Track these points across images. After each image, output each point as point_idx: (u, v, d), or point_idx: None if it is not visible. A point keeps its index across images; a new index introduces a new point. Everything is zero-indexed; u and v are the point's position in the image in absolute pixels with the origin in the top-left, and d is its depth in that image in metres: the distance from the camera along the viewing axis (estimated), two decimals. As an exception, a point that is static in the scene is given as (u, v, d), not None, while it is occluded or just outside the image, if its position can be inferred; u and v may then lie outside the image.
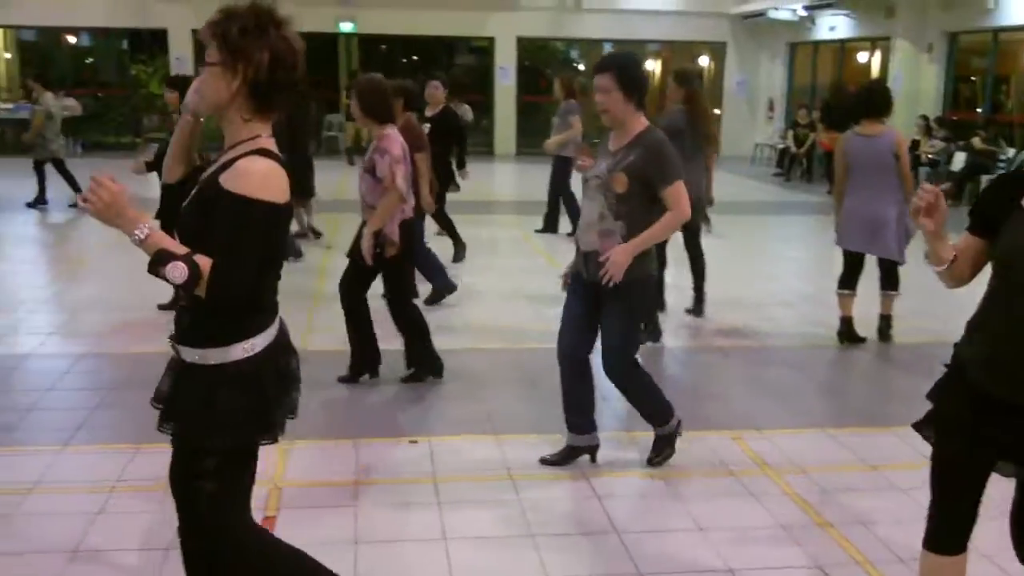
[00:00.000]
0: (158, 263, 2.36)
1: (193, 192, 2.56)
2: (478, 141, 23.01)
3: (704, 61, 24.90)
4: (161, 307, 7.45)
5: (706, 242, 7.70)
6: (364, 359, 5.86)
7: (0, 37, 23.79)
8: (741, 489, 4.49)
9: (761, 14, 21.44)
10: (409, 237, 5.63)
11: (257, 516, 3.97)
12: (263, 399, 2.59)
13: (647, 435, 4.89)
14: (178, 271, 2.34)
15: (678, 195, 4.24)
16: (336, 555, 3.74)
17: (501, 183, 18.86)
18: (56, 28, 22.85)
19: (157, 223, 2.39)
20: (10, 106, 20.73)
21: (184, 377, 2.59)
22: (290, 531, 3.90)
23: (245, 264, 2.42)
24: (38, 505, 4.15)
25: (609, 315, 4.35)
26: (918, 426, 2.84)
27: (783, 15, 20.72)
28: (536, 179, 13.28)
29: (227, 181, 2.41)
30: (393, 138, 5.42)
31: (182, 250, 2.38)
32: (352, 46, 22.92)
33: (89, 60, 25.96)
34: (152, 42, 23.71)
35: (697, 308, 7.74)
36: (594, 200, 4.33)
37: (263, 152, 2.48)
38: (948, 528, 2.76)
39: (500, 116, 22.74)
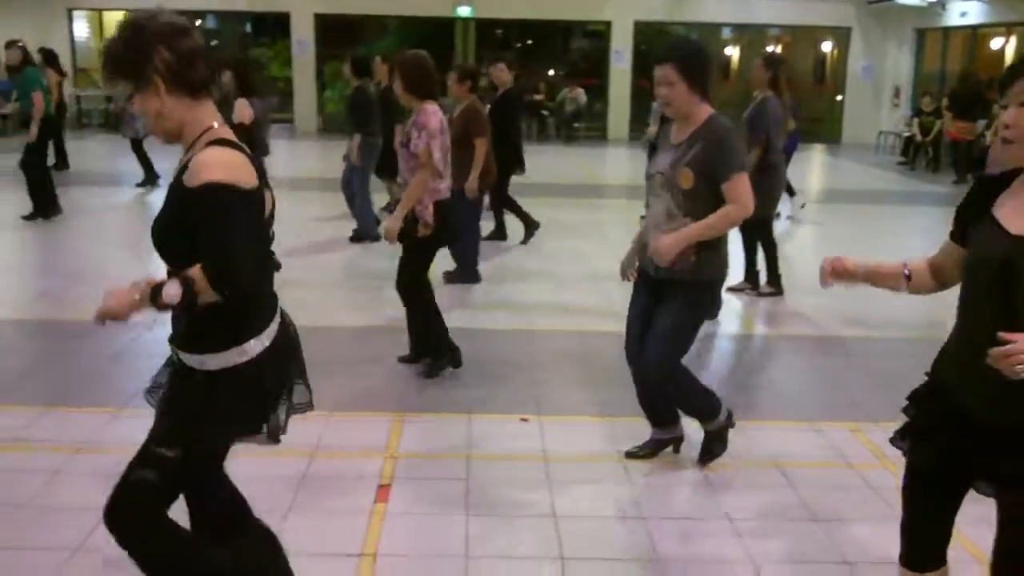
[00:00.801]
0: (154, 300, 2.31)
1: (162, 205, 2.52)
2: (592, 125, 22.94)
3: (827, 47, 24.29)
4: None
5: (824, 230, 7.51)
6: (438, 347, 5.67)
7: (133, 20, 24.71)
8: (860, 482, 4.37)
9: (889, -1, 20.75)
10: (445, 220, 5.39)
11: (372, 483, 4.12)
12: (263, 402, 2.61)
13: (771, 423, 4.82)
14: (171, 291, 2.29)
15: (740, 188, 3.91)
16: (449, 525, 3.81)
17: (614, 167, 18.73)
18: (185, 11, 23.51)
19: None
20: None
21: (183, 376, 2.57)
22: (404, 500, 3.99)
23: (241, 251, 2.32)
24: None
25: (665, 310, 4.08)
26: (894, 438, 2.67)
27: (912, 0, 19.99)
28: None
29: (191, 179, 2.35)
30: (431, 112, 5.33)
31: (165, 279, 2.35)
32: (469, 31, 23.04)
33: (214, 43, 26.75)
34: (274, 26, 24.33)
35: (774, 288, 7.76)
36: (660, 197, 4.05)
37: (218, 142, 2.43)
38: (920, 544, 2.61)
39: (614, 100, 22.59)
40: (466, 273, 7.89)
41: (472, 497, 4.06)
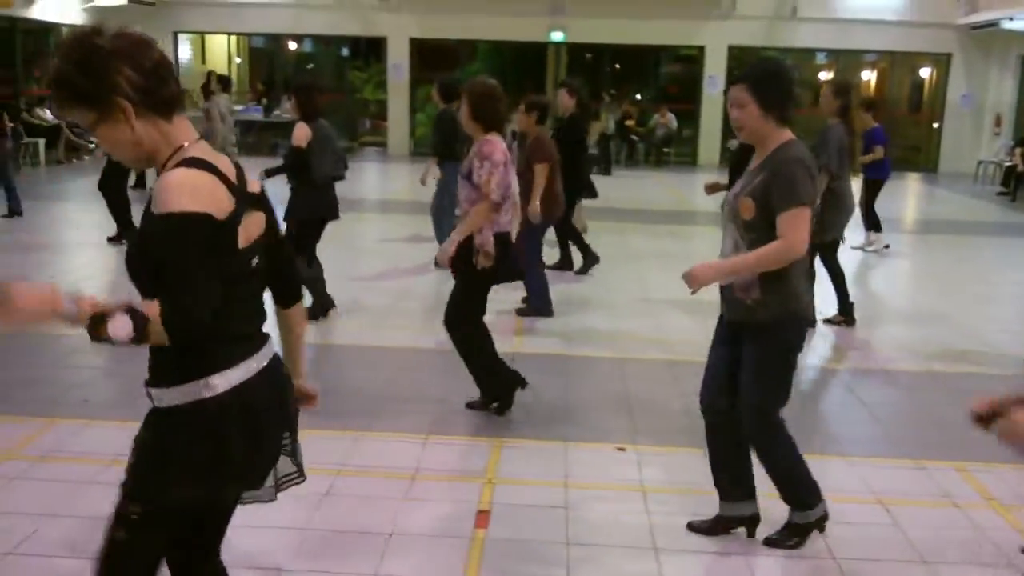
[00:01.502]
0: (95, 327, 1.97)
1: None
2: (682, 151, 22.85)
3: (925, 73, 23.81)
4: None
5: (918, 263, 7.36)
6: (500, 386, 5.45)
7: (234, 43, 25.49)
8: (968, 523, 4.26)
9: (993, 24, 20.24)
10: (504, 252, 5.22)
11: (471, 509, 4.15)
12: (224, 448, 2.20)
13: (874, 460, 4.73)
14: (119, 325, 1.96)
15: (791, 223, 3.53)
16: (549, 553, 3.82)
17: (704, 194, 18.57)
18: (285, 35, 24.24)
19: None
20: (240, 107, 22.15)
21: (145, 421, 2.28)
22: (503, 527, 4.01)
23: (196, 284, 2.04)
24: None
25: (745, 364, 3.76)
26: None
27: (1019, 25, 19.48)
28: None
29: (155, 205, 2.09)
30: (495, 144, 5.18)
31: (117, 304, 2.00)
32: (561, 55, 23.20)
33: (310, 66, 27.38)
34: (368, 50, 24.82)
35: (846, 317, 7.60)
36: (727, 228, 3.79)
37: (187, 162, 2.15)
38: None
39: (705, 126, 22.47)
40: (538, 305, 7.81)
41: (572, 526, 4.07)
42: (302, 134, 7.09)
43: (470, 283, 5.27)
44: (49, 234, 11.28)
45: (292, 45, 25.80)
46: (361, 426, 5.12)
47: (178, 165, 2.14)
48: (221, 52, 25.35)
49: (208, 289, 2.06)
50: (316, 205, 7.22)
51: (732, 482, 3.98)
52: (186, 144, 2.21)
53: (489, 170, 5.10)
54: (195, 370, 2.17)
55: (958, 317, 8.35)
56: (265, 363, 2.30)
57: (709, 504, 4.29)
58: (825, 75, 25.43)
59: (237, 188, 2.21)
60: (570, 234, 9.56)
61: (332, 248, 8.09)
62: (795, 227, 3.54)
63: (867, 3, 21.58)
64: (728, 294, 3.76)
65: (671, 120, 22.12)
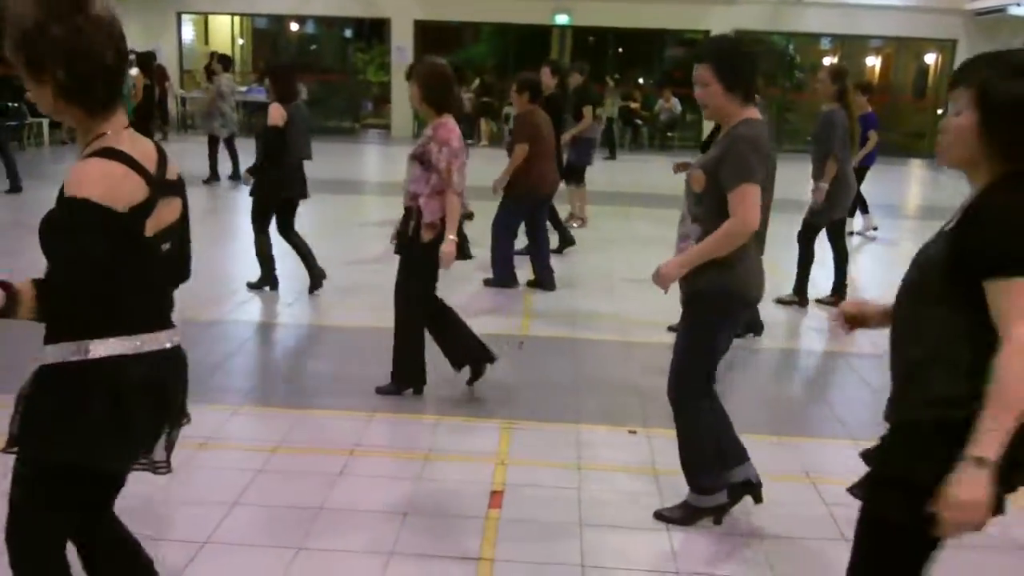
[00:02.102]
0: None
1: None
2: (686, 135, 22.82)
3: (930, 59, 23.76)
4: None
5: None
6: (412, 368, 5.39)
7: (237, 24, 25.42)
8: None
9: (1000, 10, 20.18)
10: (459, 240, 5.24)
11: (484, 490, 4.17)
12: (84, 412, 2.24)
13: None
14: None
15: (740, 200, 3.54)
16: (563, 534, 3.85)
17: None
18: (288, 16, 24.18)
19: None
20: (243, 88, 22.09)
21: (32, 375, 2.36)
22: (517, 508, 4.04)
23: (71, 273, 2.17)
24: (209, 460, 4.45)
25: (679, 329, 3.94)
26: None
27: (1024, 11, 19.45)
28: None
29: (66, 187, 2.17)
30: (451, 128, 5.06)
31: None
32: (566, 38, 23.14)
33: (313, 47, 27.33)
34: (370, 32, 24.76)
35: (839, 298, 7.60)
36: (685, 199, 3.86)
37: (103, 152, 2.21)
38: None
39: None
40: (502, 277, 8.06)
41: (585, 507, 4.10)
42: (278, 114, 7.17)
43: (417, 255, 5.17)
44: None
45: (294, 26, 25.73)
46: (373, 407, 5.14)
47: (92, 154, 2.21)
48: (224, 33, 25.26)
49: (81, 274, 2.17)
50: (288, 184, 7.35)
51: (725, 449, 3.94)
52: (108, 132, 2.25)
53: (448, 158, 4.99)
54: (78, 333, 2.25)
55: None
56: (155, 348, 2.35)
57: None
58: (829, 60, 25.40)
59: (153, 177, 2.26)
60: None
61: (334, 230, 8.10)
62: (744, 204, 3.55)
63: (873, -12, 21.52)
64: None
65: (675, 104, 22.08)
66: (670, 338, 6.65)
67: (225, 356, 6.00)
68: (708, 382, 3.88)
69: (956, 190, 16.58)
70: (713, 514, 3.95)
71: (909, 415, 2.27)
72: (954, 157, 2.26)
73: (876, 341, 6.89)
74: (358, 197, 13.85)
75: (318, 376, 5.78)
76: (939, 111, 22.95)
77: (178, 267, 2.50)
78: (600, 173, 10.41)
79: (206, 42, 24.41)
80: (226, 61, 14.58)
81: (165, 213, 2.32)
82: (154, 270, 2.35)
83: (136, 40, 21.84)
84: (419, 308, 5.30)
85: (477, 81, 21.32)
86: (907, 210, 14.36)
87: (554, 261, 8.43)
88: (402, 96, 22.97)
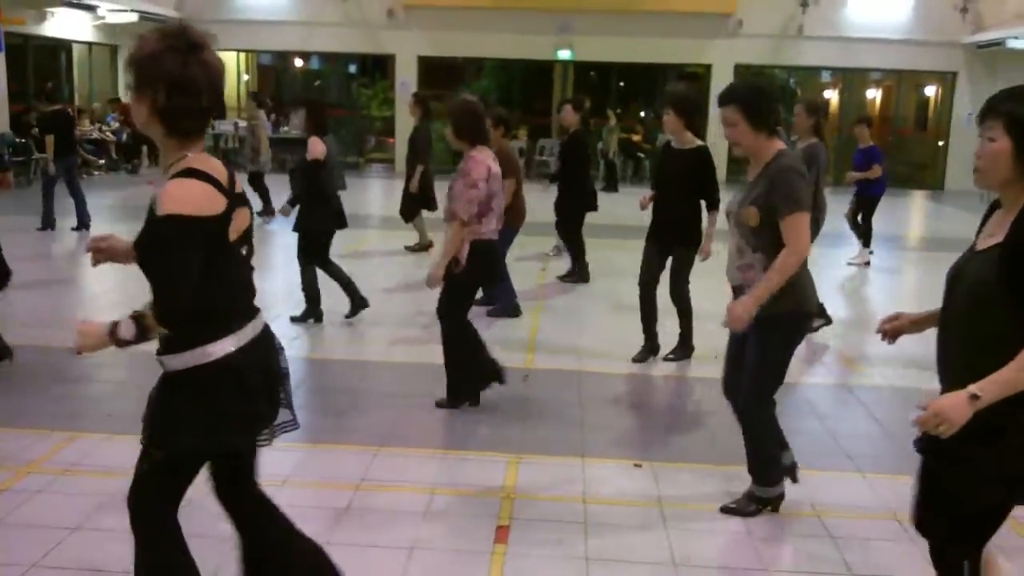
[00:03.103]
0: (113, 337, 2.51)
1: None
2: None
3: (931, 91, 23.89)
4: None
5: (926, 279, 7.39)
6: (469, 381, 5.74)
7: (243, 60, 25.63)
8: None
9: (999, 43, 20.33)
10: (481, 259, 5.48)
11: (491, 524, 4.18)
12: (220, 404, 2.65)
13: (889, 476, 4.76)
14: (126, 330, 2.50)
15: (795, 228, 3.91)
16: (570, 569, 3.85)
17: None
18: (292, 52, 24.38)
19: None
20: (245, 123, 22.25)
21: (157, 383, 2.75)
22: (523, 542, 4.04)
23: (178, 283, 2.50)
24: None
25: (750, 350, 4.14)
26: None
27: (1023, 44, 19.57)
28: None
29: (157, 207, 2.52)
30: (478, 160, 5.39)
31: (122, 318, 2.53)
32: (568, 73, 23.32)
33: (317, 83, 27.52)
34: (374, 67, 24.96)
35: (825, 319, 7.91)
36: (733, 236, 4.16)
37: (187, 172, 2.56)
38: None
39: (711, 142, 22.44)
40: (507, 306, 8.20)
41: (591, 541, 4.10)
42: (319, 148, 7.30)
43: (457, 289, 5.52)
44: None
45: (299, 62, 25.94)
46: (379, 441, 5.16)
47: (179, 174, 2.56)
48: (230, 69, 25.44)
49: (186, 289, 2.50)
50: (329, 217, 7.49)
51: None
52: (188, 155, 2.61)
53: (462, 188, 5.31)
54: (195, 340, 2.62)
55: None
56: (254, 334, 2.74)
57: (727, 519, 4.33)
58: (830, 93, 25.56)
59: (228, 190, 2.63)
60: (575, 244, 9.74)
61: (342, 263, 8.13)
62: (798, 231, 3.89)
63: (873, 22, 21.68)
64: (739, 294, 4.08)
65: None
66: (676, 370, 6.77)
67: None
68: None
69: (959, 221, 16.60)
70: (774, 503, 4.37)
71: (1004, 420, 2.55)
72: (991, 179, 2.65)
73: (885, 373, 6.92)
74: (362, 231, 13.90)
75: (323, 409, 5.79)
76: (940, 143, 23.08)
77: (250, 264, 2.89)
78: (601, 205, 10.48)
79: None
80: (257, 97, 14.68)
81: (240, 220, 2.69)
82: (240, 269, 2.75)
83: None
84: (461, 327, 5.65)
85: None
86: (909, 241, 14.40)
87: (561, 292, 8.48)
88: (405, 131, 23.14)
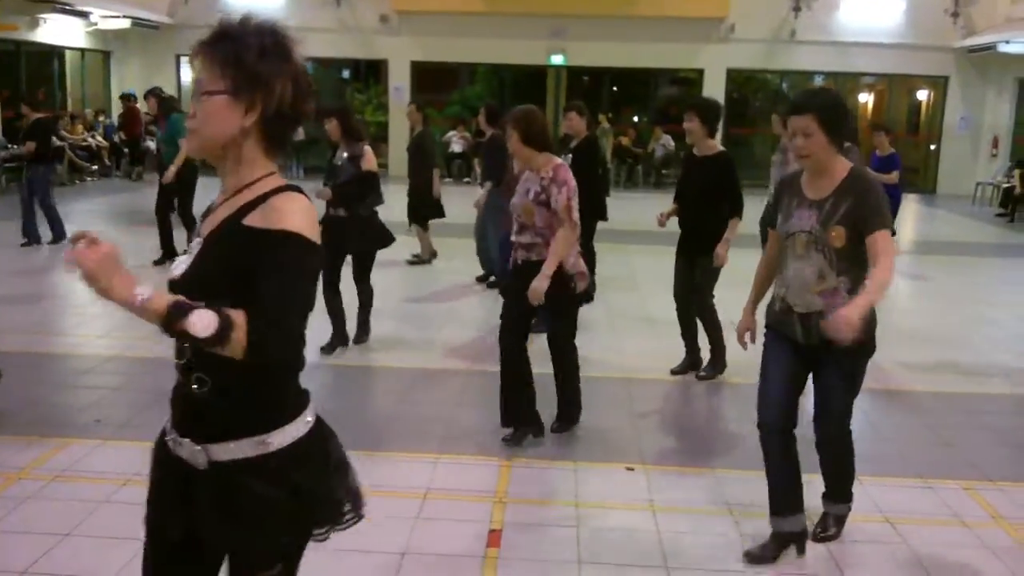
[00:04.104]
0: (176, 317, 1.85)
1: (199, 248, 2.11)
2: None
3: (923, 95, 23.96)
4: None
5: (918, 284, 7.43)
6: (525, 419, 5.38)
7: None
8: (975, 541, 4.28)
9: (990, 47, 20.40)
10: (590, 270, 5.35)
11: (483, 528, 4.17)
12: (322, 484, 2.19)
13: (881, 479, 4.77)
14: (205, 320, 1.85)
15: (886, 244, 3.65)
16: (562, 573, 3.84)
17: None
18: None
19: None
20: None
21: (217, 482, 2.09)
22: (515, 547, 4.04)
23: (297, 313, 1.97)
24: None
25: (832, 380, 3.94)
26: None
27: (1015, 48, 19.63)
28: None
29: (265, 220, 2.00)
30: (566, 168, 5.20)
31: (199, 303, 1.90)
32: (561, 78, 23.35)
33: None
34: (367, 72, 24.97)
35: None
36: (805, 259, 3.80)
37: (294, 188, 2.09)
38: None
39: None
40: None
41: (583, 545, 4.09)
42: (373, 159, 6.79)
43: (569, 307, 5.38)
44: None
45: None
46: (371, 446, 5.15)
47: (284, 188, 2.06)
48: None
49: (302, 324, 2.00)
50: (380, 232, 7.10)
51: (790, 496, 4.04)
52: (276, 173, 2.13)
53: (567, 195, 5.06)
54: (256, 423, 2.07)
55: (961, 337, 8.40)
56: (314, 416, 2.22)
57: (719, 522, 4.33)
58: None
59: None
60: (586, 256, 9.51)
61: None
62: (888, 247, 3.66)
63: (865, 26, 21.73)
64: (817, 319, 3.75)
65: (668, 141, 22.22)
66: (668, 374, 6.76)
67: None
68: None
69: (951, 225, 16.62)
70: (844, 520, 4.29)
71: None
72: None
73: (931, 379, 6.93)
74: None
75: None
76: (932, 146, 23.14)
77: None
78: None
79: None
80: None
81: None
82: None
83: (136, 82, 22.06)
84: (574, 353, 5.53)
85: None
86: (902, 244, 14.39)
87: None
88: (399, 136, 23.15)
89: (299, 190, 2.08)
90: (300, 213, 2.01)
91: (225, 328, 1.85)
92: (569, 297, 5.25)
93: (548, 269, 5.03)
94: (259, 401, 2.08)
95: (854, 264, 3.73)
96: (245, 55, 2.02)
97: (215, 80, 2.03)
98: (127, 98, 20.23)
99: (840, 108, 3.83)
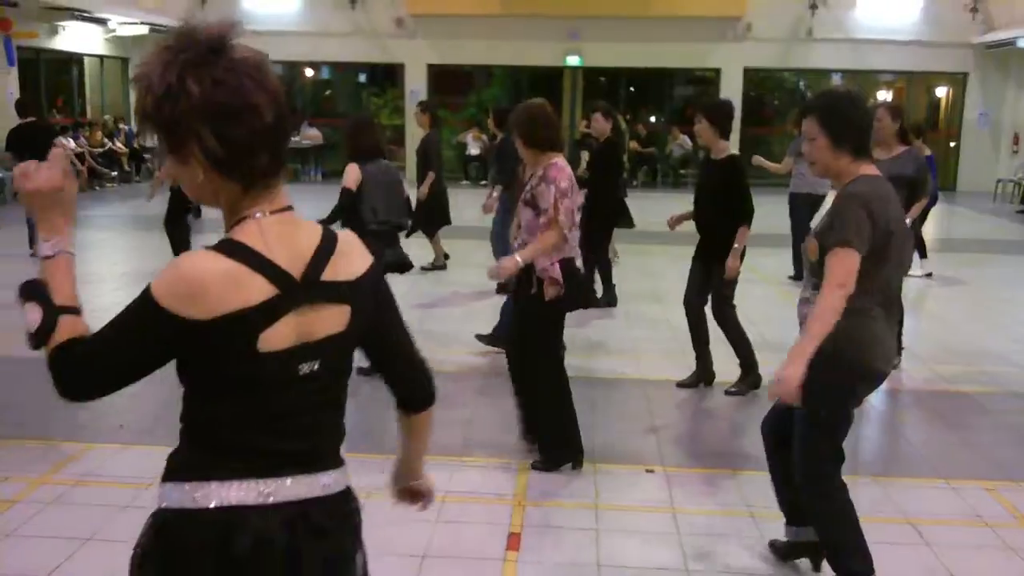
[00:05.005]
0: (24, 293, 1.77)
1: None
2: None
3: (942, 92, 23.80)
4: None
5: (939, 282, 7.36)
6: (565, 444, 5.01)
7: (253, 71, 25.74)
8: (998, 542, 4.25)
9: (1010, 43, 20.25)
10: (573, 279, 4.86)
11: (502, 531, 4.17)
12: None
13: (903, 480, 4.74)
14: (33, 314, 1.74)
15: (833, 265, 3.28)
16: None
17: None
18: (302, 62, 24.47)
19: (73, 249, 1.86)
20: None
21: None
22: (535, 549, 4.03)
23: (110, 349, 1.74)
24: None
25: (797, 422, 3.57)
26: None
27: (1034, 44, 19.51)
28: (757, 212, 12.80)
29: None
30: (562, 167, 4.83)
31: (66, 299, 1.79)
32: (578, 79, 23.34)
33: (327, 92, 27.60)
34: (384, 76, 25.03)
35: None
36: (805, 266, 3.63)
37: (221, 245, 1.76)
38: None
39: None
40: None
41: (603, 547, 4.09)
42: (353, 177, 6.36)
43: (542, 316, 4.89)
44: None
45: (309, 72, 26.01)
46: (390, 450, 5.14)
47: (210, 246, 1.77)
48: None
49: (110, 363, 1.75)
50: (392, 258, 6.59)
51: (790, 507, 3.87)
52: (249, 217, 1.79)
53: (555, 195, 4.73)
54: (185, 471, 1.81)
55: (983, 336, 8.33)
56: (286, 498, 1.82)
57: (740, 525, 4.31)
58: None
59: (290, 278, 1.77)
60: (601, 262, 9.41)
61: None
62: (833, 269, 3.28)
63: (883, 23, 21.63)
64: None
65: (685, 141, 22.16)
66: (686, 376, 6.72)
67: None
68: (839, 457, 3.62)
69: (971, 222, 16.51)
70: None
71: None
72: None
73: (952, 378, 6.88)
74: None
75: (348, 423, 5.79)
76: (952, 143, 22.99)
77: (395, 386, 2.19)
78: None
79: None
80: None
81: (312, 323, 1.81)
82: (291, 394, 1.83)
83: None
84: (548, 368, 4.99)
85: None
86: (926, 243, 14.29)
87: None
88: (416, 140, 23.21)
89: (224, 247, 1.75)
90: (169, 271, 1.74)
91: (44, 330, 1.75)
92: (534, 300, 4.81)
93: (519, 255, 4.73)
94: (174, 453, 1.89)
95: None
96: (152, 110, 1.72)
97: (157, 143, 1.80)
98: None
99: (849, 110, 3.49)
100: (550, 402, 4.99)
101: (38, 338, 1.75)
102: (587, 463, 5.03)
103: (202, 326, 1.70)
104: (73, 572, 3.75)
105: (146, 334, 1.73)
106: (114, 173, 19.79)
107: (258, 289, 1.73)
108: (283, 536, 1.80)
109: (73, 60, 20.96)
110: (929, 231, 16.31)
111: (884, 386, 6.76)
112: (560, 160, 4.91)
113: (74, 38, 19.94)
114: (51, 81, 20.34)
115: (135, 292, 1.76)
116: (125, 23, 20.35)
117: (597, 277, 9.09)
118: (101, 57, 21.92)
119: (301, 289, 1.78)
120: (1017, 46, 20.04)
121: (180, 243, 10.38)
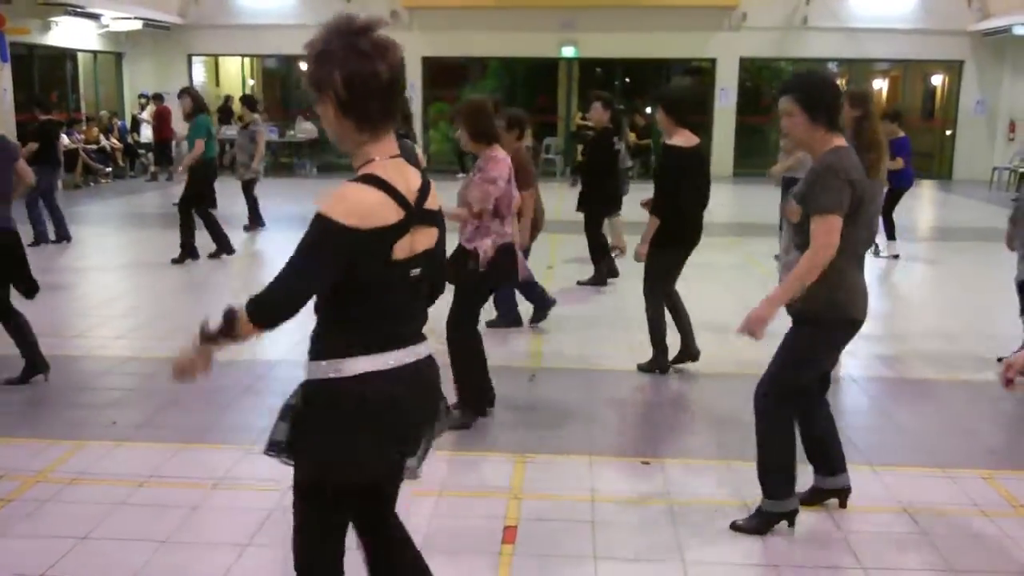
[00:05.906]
0: (202, 334, 2.43)
1: None
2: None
3: (938, 80, 23.78)
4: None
5: (935, 270, 7.35)
6: (476, 396, 5.52)
7: (247, 65, 25.68)
8: (996, 531, 4.24)
9: (1005, 30, 20.21)
10: (510, 264, 5.40)
11: (498, 525, 4.16)
12: (345, 431, 2.45)
13: (900, 469, 4.73)
14: (213, 323, 2.40)
15: (820, 230, 3.73)
16: (578, 569, 3.83)
17: (717, 204, 18.55)
18: (297, 56, 24.38)
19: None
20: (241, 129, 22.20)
21: (297, 390, 2.58)
22: (531, 543, 4.02)
23: (300, 276, 2.35)
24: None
25: (783, 340, 4.03)
26: None
27: (1030, 31, 19.46)
28: (753, 201, 12.84)
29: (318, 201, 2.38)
30: (498, 160, 5.29)
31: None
32: (573, 70, 23.29)
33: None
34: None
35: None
36: (787, 231, 4.10)
37: (365, 178, 2.40)
38: None
39: (718, 138, 22.47)
40: (507, 318, 7.80)
41: (599, 539, 4.08)
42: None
43: (470, 287, 5.35)
44: (95, 258, 11.38)
45: (303, 66, 25.94)
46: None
47: (356, 179, 2.40)
48: (235, 74, 25.52)
49: (303, 286, 2.36)
50: None
51: (827, 456, 4.28)
52: (377, 158, 2.44)
53: (480, 186, 5.20)
54: (332, 351, 2.44)
55: (979, 324, 8.32)
56: (404, 362, 2.50)
57: (737, 514, 4.30)
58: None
59: (411, 205, 2.43)
60: (594, 245, 9.49)
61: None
62: (822, 234, 3.73)
63: (878, 12, 21.58)
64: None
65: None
66: (684, 367, 6.72)
67: (237, 395, 6.00)
68: (799, 394, 4.08)
69: (968, 210, 16.49)
70: (787, 519, 4.13)
71: None
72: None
73: (949, 366, 6.87)
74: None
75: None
76: (947, 132, 22.96)
77: (430, 289, 2.71)
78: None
79: (217, 83, 24.66)
80: (251, 102, 13.80)
81: (419, 240, 2.50)
82: (406, 291, 2.51)
83: (148, 82, 22.13)
84: (470, 333, 5.48)
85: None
86: (919, 230, 14.31)
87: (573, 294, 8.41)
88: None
89: (369, 179, 2.38)
90: (334, 197, 2.34)
91: (229, 320, 2.37)
92: (463, 272, 5.25)
93: (450, 209, 4.84)
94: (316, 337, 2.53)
95: (807, 242, 3.81)
96: (311, 66, 2.45)
97: (310, 92, 2.47)
98: (158, 98, 20.06)
99: (822, 89, 3.90)
100: (471, 363, 5.42)
101: (229, 327, 2.37)
102: (583, 455, 5.03)
103: (363, 236, 2.33)
104: (68, 570, 3.74)
105: (338, 249, 2.33)
106: (108, 169, 19.73)
107: (395, 211, 2.39)
108: (401, 387, 2.48)
109: (67, 55, 20.88)
110: (924, 219, 16.35)
111: (880, 373, 6.82)
112: (499, 152, 5.35)
113: (67, 33, 19.87)
114: (45, 77, 20.26)
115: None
116: (118, 18, 20.27)
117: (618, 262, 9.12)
118: (95, 52, 21.84)
119: (416, 214, 2.45)
120: (1013, 33, 19.99)
121: (187, 228, 10.54)
